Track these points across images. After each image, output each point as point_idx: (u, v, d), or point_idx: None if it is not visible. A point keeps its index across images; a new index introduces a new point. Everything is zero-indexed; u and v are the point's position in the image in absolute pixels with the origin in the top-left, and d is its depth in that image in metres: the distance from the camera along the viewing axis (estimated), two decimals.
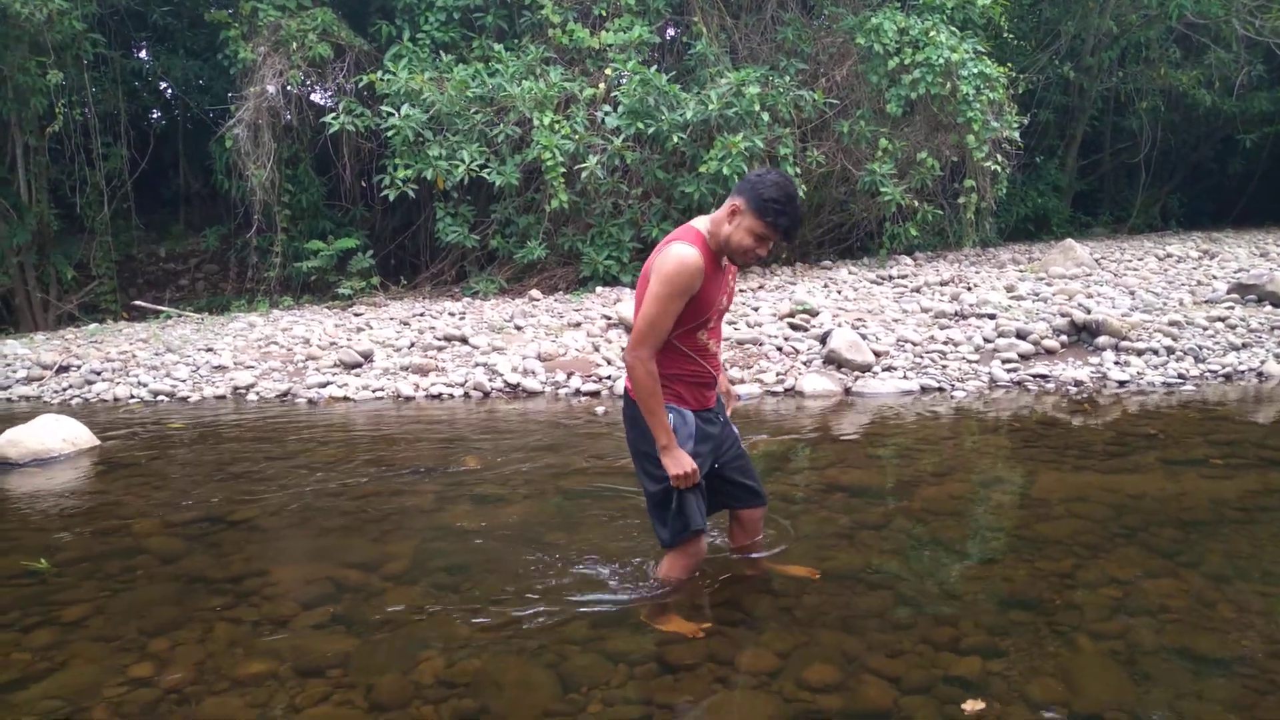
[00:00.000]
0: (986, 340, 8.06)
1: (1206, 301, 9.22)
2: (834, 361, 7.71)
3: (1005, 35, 14.08)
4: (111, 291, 13.60)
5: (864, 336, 8.08)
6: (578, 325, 9.32)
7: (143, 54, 14.99)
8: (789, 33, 12.31)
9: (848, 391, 7.28)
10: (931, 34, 11.45)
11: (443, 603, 3.41)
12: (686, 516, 3.14)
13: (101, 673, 2.94)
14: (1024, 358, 7.73)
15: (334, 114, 11.62)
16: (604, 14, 11.90)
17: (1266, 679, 2.71)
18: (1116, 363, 7.52)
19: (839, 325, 8.31)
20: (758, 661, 2.90)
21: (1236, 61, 15.68)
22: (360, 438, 6.29)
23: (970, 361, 7.70)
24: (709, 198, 10.61)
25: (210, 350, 9.08)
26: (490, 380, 7.76)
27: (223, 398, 7.86)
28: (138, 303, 12.96)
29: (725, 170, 10.29)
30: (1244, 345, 7.85)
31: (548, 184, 10.74)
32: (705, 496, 3.23)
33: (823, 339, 8.09)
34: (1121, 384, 7.16)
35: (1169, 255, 12.63)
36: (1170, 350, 7.68)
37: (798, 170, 11.25)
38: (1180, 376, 7.24)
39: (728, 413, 3.45)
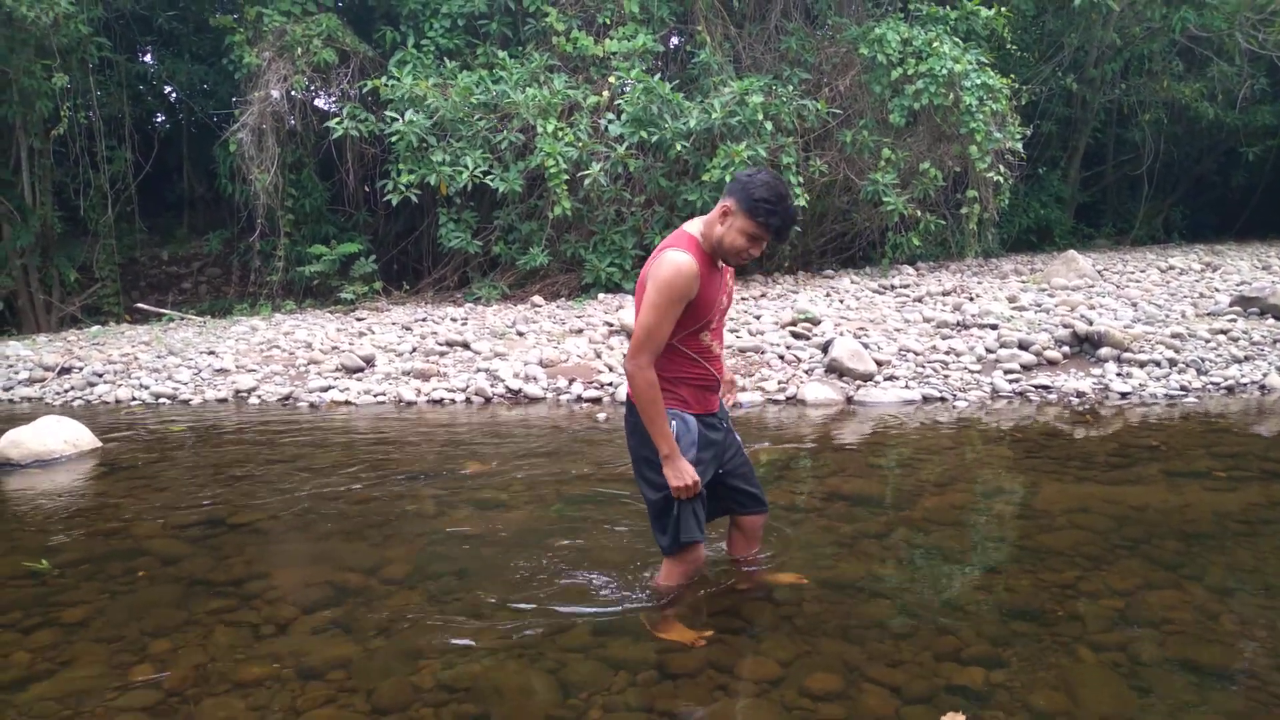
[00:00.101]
0: (988, 350, 8.06)
1: (1209, 314, 9.22)
2: (836, 370, 7.71)
3: (1008, 47, 14.10)
4: (114, 294, 13.62)
5: (866, 346, 8.08)
6: (580, 332, 9.32)
7: (148, 58, 15.04)
8: (792, 42, 12.34)
9: (849, 400, 7.27)
10: (935, 45, 11.48)
11: (443, 607, 3.40)
12: (687, 525, 3.14)
13: (102, 674, 2.94)
14: (1026, 368, 7.73)
15: (338, 119, 11.65)
16: (608, 22, 11.93)
17: (1269, 691, 2.71)
18: (1119, 374, 7.52)
19: (841, 334, 8.31)
20: (759, 669, 2.90)
21: (1239, 74, 15.70)
22: (361, 442, 6.29)
23: (972, 372, 7.70)
24: (712, 206, 10.54)
25: (212, 353, 9.09)
26: (492, 386, 7.77)
27: (224, 401, 7.86)
28: (140, 305, 12.98)
29: (728, 179, 10.27)
30: (1246, 358, 7.85)
31: (551, 191, 10.76)
32: (706, 505, 3.23)
33: (825, 348, 8.09)
34: (1124, 395, 7.16)
35: (1171, 267, 12.64)
36: (1172, 362, 7.68)
37: (800, 179, 11.26)
38: (1182, 389, 7.24)
39: (730, 400, 3.47)
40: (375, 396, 7.71)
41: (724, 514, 3.48)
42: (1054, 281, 11.12)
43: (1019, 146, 12.33)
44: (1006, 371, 7.63)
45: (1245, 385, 7.31)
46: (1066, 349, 8.02)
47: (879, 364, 7.80)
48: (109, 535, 4.35)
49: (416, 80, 11.17)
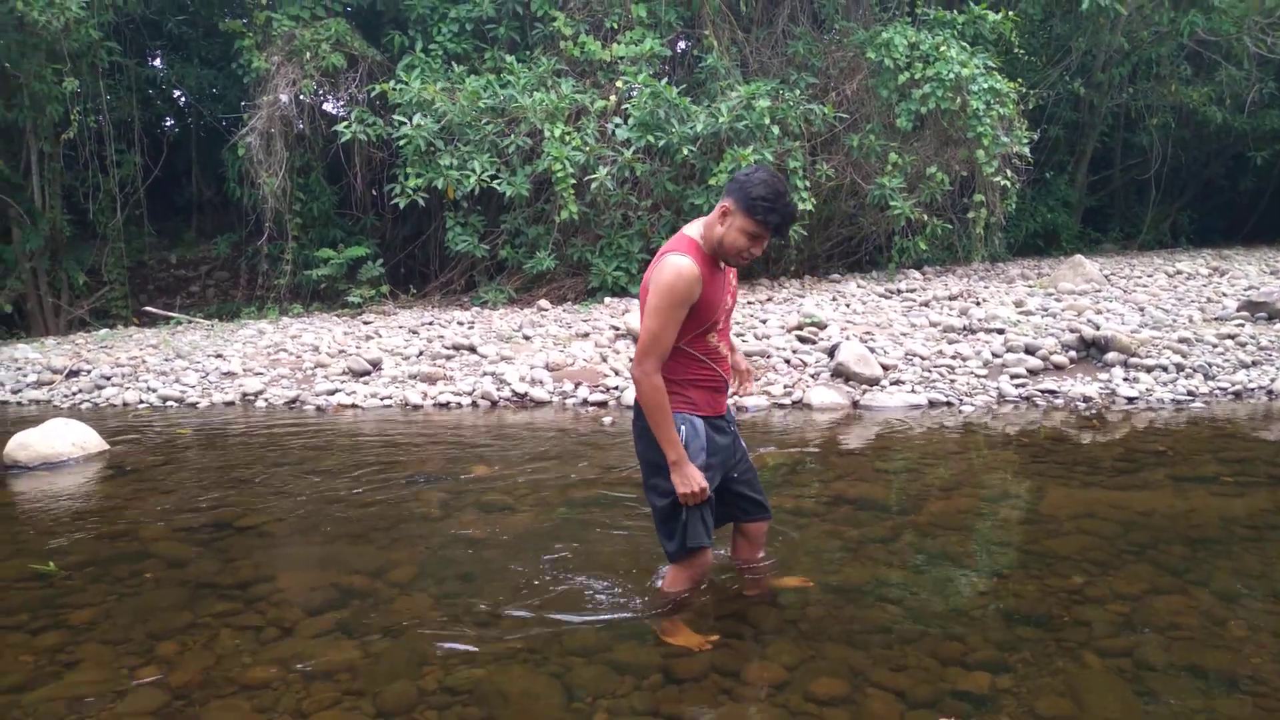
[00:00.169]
0: (995, 355, 8.05)
1: (1216, 319, 9.19)
2: (842, 375, 7.71)
3: (1016, 51, 14.09)
4: (122, 297, 13.68)
5: (872, 350, 8.07)
6: (586, 336, 9.33)
7: (157, 62, 15.12)
8: (799, 47, 12.34)
9: (855, 405, 7.26)
10: (942, 49, 11.47)
11: (449, 611, 3.41)
12: (695, 531, 3.13)
13: (109, 676, 2.95)
14: (1032, 373, 7.71)
15: (346, 123, 11.69)
16: (615, 27, 11.95)
17: (1277, 698, 2.70)
18: (1125, 379, 7.49)
19: (847, 338, 8.30)
20: (764, 674, 2.90)
21: (1248, 79, 15.66)
22: (368, 445, 6.30)
23: (979, 376, 7.69)
24: None
25: (220, 356, 9.12)
26: (498, 389, 7.78)
27: (231, 404, 7.89)
28: (148, 309, 13.02)
29: None
30: (1254, 363, 7.82)
31: (558, 195, 10.78)
32: (714, 509, 3.23)
33: (831, 352, 8.08)
34: (1130, 400, 7.13)
35: (1179, 272, 12.60)
36: (1180, 367, 7.65)
37: (807, 183, 11.26)
38: (1190, 393, 7.21)
39: (747, 389, 3.50)
40: (382, 400, 7.73)
41: (729, 521, 3.47)
42: (1061, 286, 11.09)
43: (1026, 151, 12.30)
44: (1013, 376, 7.61)
45: (1253, 390, 7.28)
46: (1073, 354, 8.00)
47: (885, 368, 7.79)
48: (115, 538, 4.37)
49: (424, 84, 11.20)
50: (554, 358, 8.38)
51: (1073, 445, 5.93)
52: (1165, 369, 7.61)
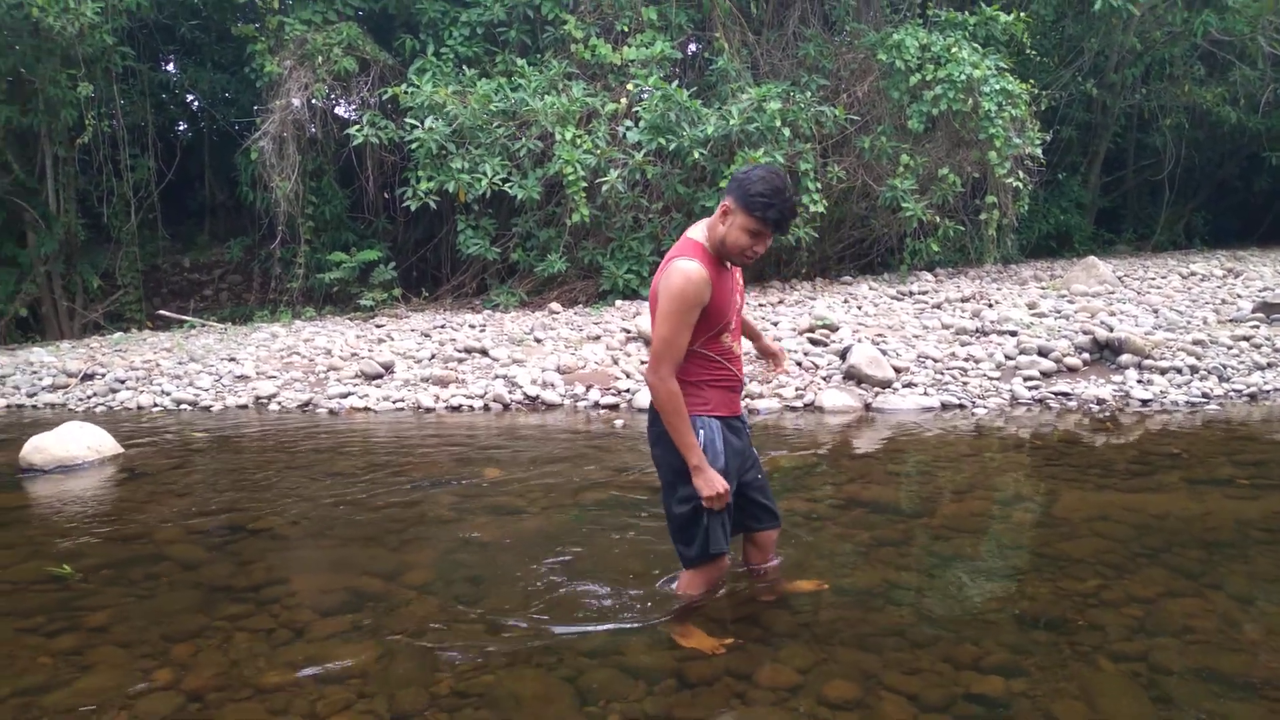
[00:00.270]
0: (1008, 357, 8.02)
1: (1231, 320, 9.13)
2: (854, 377, 7.69)
3: (1028, 52, 14.06)
4: (136, 301, 13.77)
5: (884, 352, 8.05)
6: (597, 338, 9.34)
7: (170, 67, 15.23)
8: (810, 49, 12.34)
9: (868, 407, 7.25)
10: (953, 50, 11.45)
11: (461, 614, 3.41)
12: (715, 537, 3.12)
13: (124, 678, 2.97)
14: (1046, 375, 7.68)
15: (358, 127, 11.74)
16: (626, 30, 11.97)
17: None
18: (1139, 381, 7.45)
19: (859, 341, 8.28)
20: (777, 678, 2.89)
21: (1262, 79, 15.57)
22: (380, 448, 6.32)
23: (991, 378, 7.66)
24: None
25: (233, 360, 9.16)
26: (510, 392, 7.79)
27: (245, 407, 7.92)
28: (162, 312, 13.11)
29: None
30: (1269, 365, 7.76)
31: (569, 198, 10.80)
32: (732, 515, 3.22)
33: (843, 354, 8.07)
34: (1144, 403, 7.09)
35: (1193, 273, 12.52)
36: (1194, 369, 7.61)
37: (819, 185, 11.25)
38: (1204, 396, 7.17)
39: (779, 371, 3.46)
40: (394, 403, 7.75)
41: (741, 531, 3.44)
42: (1074, 288, 11.04)
43: (1038, 152, 12.27)
44: (1026, 378, 7.58)
45: (1268, 392, 7.23)
46: (1087, 356, 7.96)
47: (897, 371, 7.77)
48: (130, 540, 4.39)
49: (436, 88, 11.24)
50: (565, 360, 8.39)
51: (1086, 448, 5.90)
52: (1179, 371, 7.57)
